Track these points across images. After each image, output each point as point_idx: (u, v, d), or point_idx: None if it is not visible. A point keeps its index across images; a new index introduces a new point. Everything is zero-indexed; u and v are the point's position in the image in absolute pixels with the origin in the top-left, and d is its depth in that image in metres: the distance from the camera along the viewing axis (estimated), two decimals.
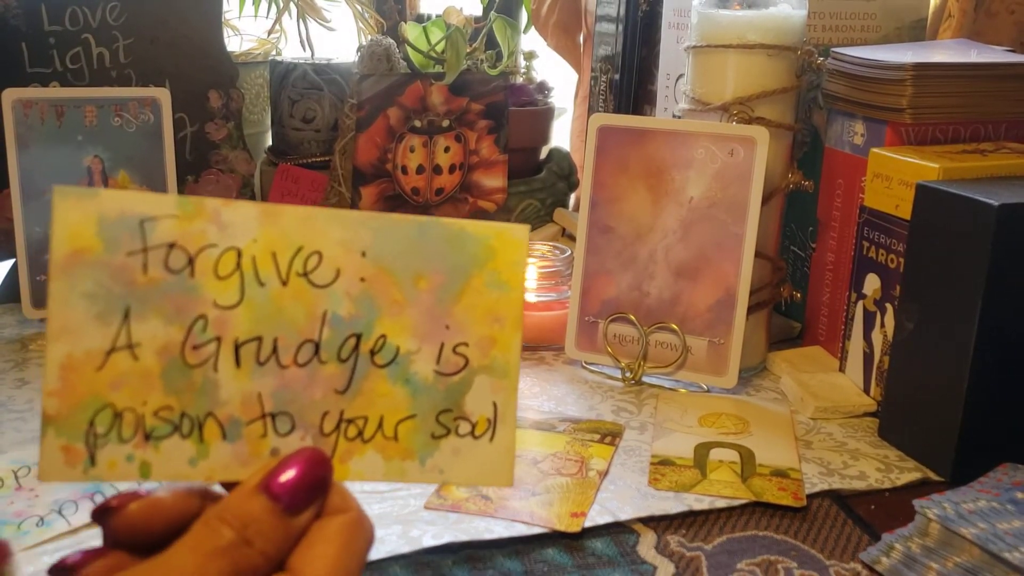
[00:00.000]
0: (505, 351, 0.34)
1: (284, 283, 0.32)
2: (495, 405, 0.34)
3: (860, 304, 0.63)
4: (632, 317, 0.66)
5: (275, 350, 0.32)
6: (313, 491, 0.31)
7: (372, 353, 0.33)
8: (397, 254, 0.33)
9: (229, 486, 0.32)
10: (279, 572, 0.30)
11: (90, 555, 0.31)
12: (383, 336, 0.33)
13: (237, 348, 0.32)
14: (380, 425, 0.33)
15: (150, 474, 0.32)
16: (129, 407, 0.31)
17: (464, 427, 0.34)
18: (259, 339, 0.32)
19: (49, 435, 0.31)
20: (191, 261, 0.31)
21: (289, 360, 0.32)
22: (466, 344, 0.34)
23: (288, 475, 0.31)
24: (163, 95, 0.75)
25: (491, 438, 0.34)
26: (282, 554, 0.30)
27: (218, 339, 0.32)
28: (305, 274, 0.32)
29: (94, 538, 0.32)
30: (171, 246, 0.31)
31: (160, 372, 0.31)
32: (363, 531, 0.31)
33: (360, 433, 0.33)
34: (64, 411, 0.31)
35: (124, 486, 0.50)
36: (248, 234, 0.32)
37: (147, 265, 0.31)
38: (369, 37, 0.93)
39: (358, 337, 0.33)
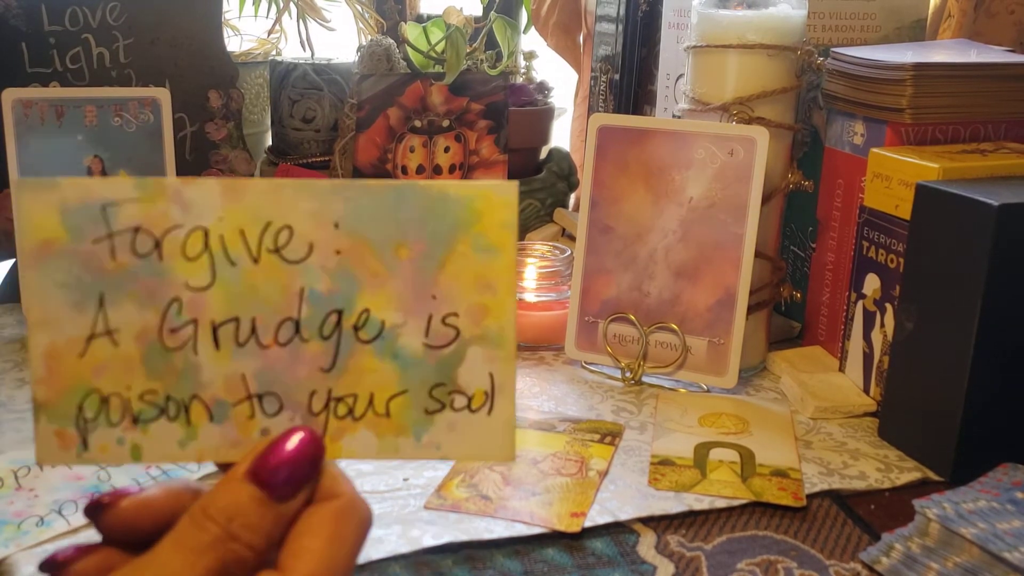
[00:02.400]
0: (499, 319, 0.32)
1: (255, 261, 0.31)
2: (491, 377, 0.32)
3: (860, 304, 0.63)
4: (632, 317, 0.66)
5: (254, 330, 0.31)
6: (304, 473, 0.30)
7: (356, 329, 0.32)
8: (373, 223, 0.31)
9: (224, 468, 0.31)
10: (266, 570, 0.29)
11: (81, 551, 0.31)
12: (366, 311, 0.32)
13: (215, 330, 0.31)
14: (371, 402, 0.32)
15: (141, 456, 0.32)
16: (114, 392, 0.31)
17: (460, 401, 0.32)
18: (236, 320, 0.31)
19: (42, 421, 0.31)
20: (158, 244, 0.31)
21: (270, 340, 0.32)
22: (456, 314, 0.32)
23: (278, 458, 0.30)
24: (163, 95, 0.75)
25: (489, 411, 0.32)
26: (272, 543, 0.29)
27: (194, 321, 0.31)
28: (276, 250, 0.31)
29: (94, 538, 0.32)
30: (136, 230, 0.31)
31: (141, 357, 0.31)
32: (354, 517, 0.30)
33: (351, 411, 0.32)
34: (53, 397, 0.31)
35: (123, 482, 0.50)
36: (213, 212, 0.31)
37: (114, 251, 0.31)
38: (369, 37, 0.93)
39: (339, 313, 0.32)
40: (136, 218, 0.31)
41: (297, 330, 0.32)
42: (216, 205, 0.31)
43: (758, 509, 0.50)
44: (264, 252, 0.31)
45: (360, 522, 0.30)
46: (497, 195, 0.31)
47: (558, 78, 1.04)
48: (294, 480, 0.30)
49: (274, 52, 1.02)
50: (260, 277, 0.31)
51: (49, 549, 0.44)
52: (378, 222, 0.31)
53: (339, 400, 0.32)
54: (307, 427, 0.31)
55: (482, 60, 0.90)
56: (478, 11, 0.93)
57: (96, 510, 0.31)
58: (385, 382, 0.32)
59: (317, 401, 0.32)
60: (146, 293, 0.31)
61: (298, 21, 0.96)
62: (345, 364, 0.32)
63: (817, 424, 0.60)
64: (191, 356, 0.31)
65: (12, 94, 0.70)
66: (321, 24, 0.97)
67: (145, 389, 0.31)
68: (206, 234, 0.31)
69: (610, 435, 0.58)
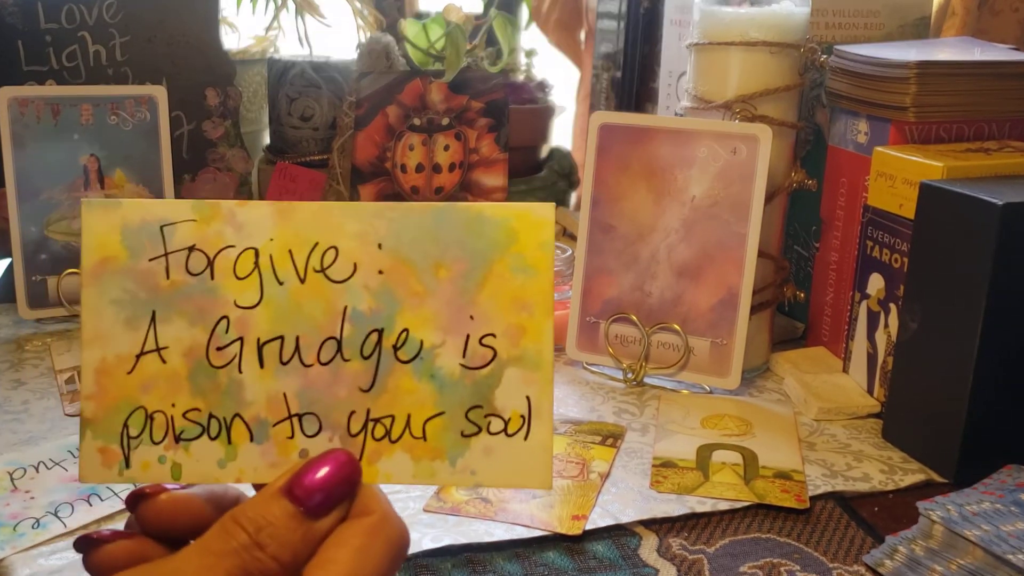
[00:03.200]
0: (536, 340, 0.32)
1: (302, 280, 0.32)
2: (528, 400, 0.32)
3: (864, 304, 0.63)
4: (634, 317, 0.65)
5: (297, 349, 0.32)
6: (339, 494, 0.30)
7: (395, 348, 0.32)
8: (414, 244, 0.32)
9: (259, 488, 0.32)
10: None
11: (116, 535, 0.32)
12: (405, 330, 0.32)
13: (260, 348, 0.32)
14: (407, 424, 0.32)
15: (181, 475, 0.32)
16: (159, 409, 0.32)
17: (496, 424, 0.32)
18: (281, 338, 0.32)
19: (87, 437, 0.32)
20: (211, 263, 0.32)
21: (312, 359, 0.32)
22: (493, 335, 0.32)
23: (314, 478, 0.30)
24: (160, 93, 0.74)
25: (525, 436, 0.32)
26: (299, 559, 0.29)
27: (241, 340, 0.32)
28: (322, 270, 0.32)
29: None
30: (191, 249, 0.32)
31: (187, 374, 0.32)
32: (384, 534, 0.30)
33: (387, 433, 0.32)
34: (100, 414, 0.32)
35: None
36: (264, 233, 0.32)
37: (169, 269, 0.32)
38: (368, 34, 0.92)
39: (380, 332, 0.32)
40: (192, 238, 0.32)
41: (339, 349, 0.32)
42: (268, 226, 0.32)
43: (761, 511, 0.50)
44: (311, 272, 0.32)
45: (392, 539, 0.30)
46: (534, 216, 0.32)
47: (559, 76, 1.03)
48: (329, 499, 0.30)
49: (272, 49, 1.01)
50: (306, 296, 0.32)
51: (45, 551, 0.44)
52: (419, 242, 0.32)
53: (377, 421, 0.32)
54: (345, 450, 0.32)
55: (482, 58, 0.90)
56: (478, 8, 0.93)
57: (135, 500, 0.32)
58: (422, 403, 0.32)
59: (356, 422, 0.32)
60: (197, 311, 0.32)
61: (296, 18, 0.96)
62: (384, 384, 0.32)
63: (820, 425, 0.60)
64: (235, 374, 0.32)
65: (8, 92, 0.70)
66: (319, 21, 0.97)
67: (189, 407, 0.32)
68: (256, 254, 0.32)
69: (611, 437, 0.57)
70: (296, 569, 0.29)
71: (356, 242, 0.32)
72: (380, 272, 0.32)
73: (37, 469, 0.51)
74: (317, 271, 0.32)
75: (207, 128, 0.85)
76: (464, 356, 0.32)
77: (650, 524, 0.48)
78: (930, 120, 0.61)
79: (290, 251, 0.32)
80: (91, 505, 0.48)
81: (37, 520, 0.47)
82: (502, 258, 0.32)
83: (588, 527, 0.47)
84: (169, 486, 0.32)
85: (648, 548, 0.46)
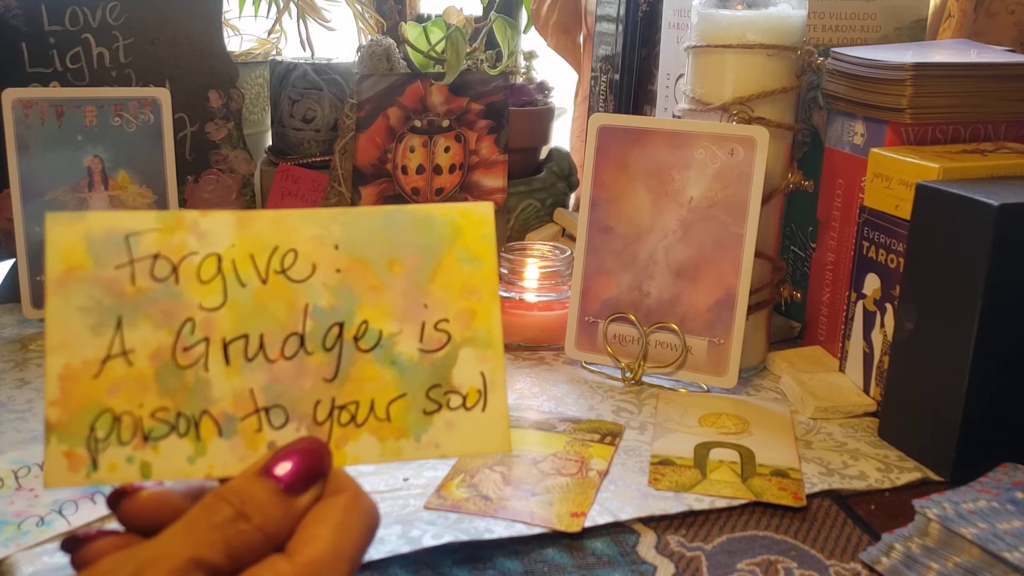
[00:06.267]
0: (486, 322, 0.35)
1: (264, 282, 0.34)
2: (483, 375, 0.35)
3: (860, 304, 0.63)
4: (632, 317, 0.66)
5: (262, 346, 0.34)
6: (313, 472, 0.32)
7: (356, 339, 0.34)
8: (368, 243, 0.35)
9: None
10: (275, 554, 0.30)
11: (102, 533, 0.33)
12: (365, 322, 0.34)
13: (225, 347, 0.33)
14: (372, 408, 0.34)
15: (151, 474, 0.33)
16: (127, 411, 0.33)
17: (455, 400, 0.35)
18: (245, 336, 0.33)
19: (52, 442, 0.32)
20: (175, 269, 0.33)
21: (276, 354, 0.34)
22: (446, 320, 0.35)
23: (287, 463, 0.32)
24: (163, 95, 0.75)
25: (483, 408, 0.35)
26: (281, 534, 0.31)
27: (206, 340, 0.33)
28: (283, 271, 0.34)
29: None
30: (155, 257, 0.33)
31: (154, 375, 0.33)
32: (359, 509, 0.32)
33: (353, 418, 0.34)
34: (65, 418, 0.32)
35: None
36: (226, 240, 0.34)
37: (134, 276, 0.33)
38: (369, 37, 0.93)
39: (341, 325, 0.34)
40: (156, 246, 0.33)
41: (302, 343, 0.34)
42: (229, 233, 0.34)
43: (758, 509, 0.50)
44: (272, 273, 0.34)
45: (366, 514, 0.32)
46: (476, 213, 0.35)
47: (558, 78, 1.04)
48: (304, 477, 0.32)
49: (274, 52, 1.02)
50: (268, 296, 0.34)
51: (49, 549, 0.45)
52: (372, 242, 0.35)
53: (342, 408, 0.34)
54: (315, 437, 0.33)
55: (482, 60, 0.90)
56: (478, 11, 0.93)
57: (117, 498, 0.33)
58: (385, 387, 0.34)
59: (321, 411, 0.34)
60: (162, 315, 0.33)
61: (298, 21, 0.96)
62: (347, 373, 0.34)
63: (817, 424, 0.60)
64: (202, 373, 0.33)
65: (12, 94, 0.70)
66: (321, 24, 0.97)
67: (157, 407, 0.33)
68: (219, 259, 0.34)
69: (610, 435, 0.58)
70: (277, 544, 0.31)
71: (313, 244, 0.34)
72: (338, 271, 0.34)
73: (41, 468, 0.51)
74: (278, 272, 0.34)
75: (210, 130, 0.85)
76: (421, 341, 0.35)
77: (648, 521, 0.49)
78: (926, 122, 0.62)
79: (251, 255, 0.34)
80: (95, 503, 0.48)
81: (41, 518, 0.47)
82: (450, 251, 0.35)
83: (587, 524, 0.48)
84: (147, 484, 0.33)
85: (646, 545, 0.47)
